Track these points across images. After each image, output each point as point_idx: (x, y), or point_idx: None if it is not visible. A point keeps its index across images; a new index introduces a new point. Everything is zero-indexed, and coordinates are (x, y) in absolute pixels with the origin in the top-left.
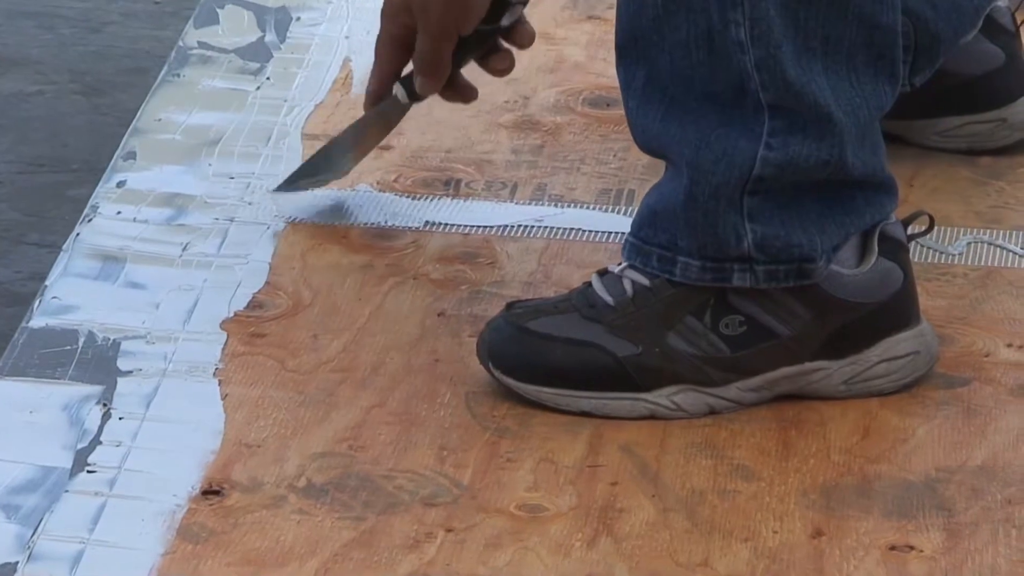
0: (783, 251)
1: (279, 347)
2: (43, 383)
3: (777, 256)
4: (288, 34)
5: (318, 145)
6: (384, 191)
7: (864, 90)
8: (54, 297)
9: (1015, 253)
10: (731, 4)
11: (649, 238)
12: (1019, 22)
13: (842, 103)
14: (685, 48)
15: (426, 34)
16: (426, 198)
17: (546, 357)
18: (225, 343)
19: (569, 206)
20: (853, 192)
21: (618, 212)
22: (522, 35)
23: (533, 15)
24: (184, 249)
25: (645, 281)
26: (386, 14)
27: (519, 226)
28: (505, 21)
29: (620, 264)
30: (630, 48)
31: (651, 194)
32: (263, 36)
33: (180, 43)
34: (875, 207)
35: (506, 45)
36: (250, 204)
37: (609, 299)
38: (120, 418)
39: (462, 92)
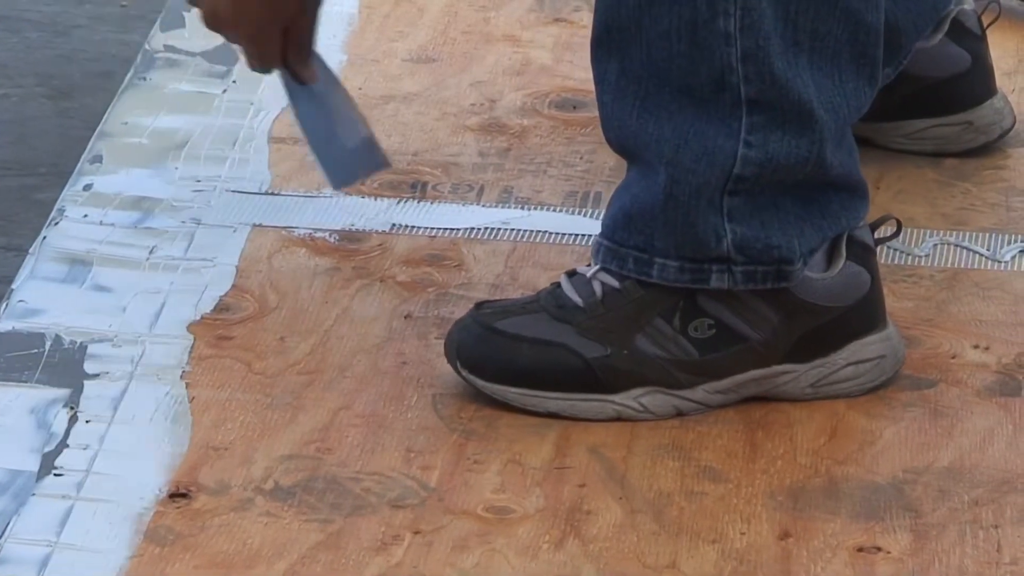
0: (763, 252)
1: (246, 350)
2: (10, 386)
3: (757, 257)
4: None
5: (284, 148)
6: (350, 193)
7: (846, 89)
8: (20, 300)
9: (981, 255)
10: None
11: (624, 240)
12: (985, 25)
13: (824, 100)
14: (665, 39)
15: None
16: (393, 200)
17: (514, 357)
18: (192, 346)
19: (536, 208)
20: (830, 195)
21: (585, 214)
22: None
23: (499, 18)
24: (151, 252)
25: (615, 283)
26: None
27: (486, 228)
28: None
29: (590, 266)
30: (604, 40)
31: (621, 196)
32: None
33: (146, 47)
34: (850, 211)
35: None
36: (216, 207)
37: (578, 300)
38: (87, 421)
39: None
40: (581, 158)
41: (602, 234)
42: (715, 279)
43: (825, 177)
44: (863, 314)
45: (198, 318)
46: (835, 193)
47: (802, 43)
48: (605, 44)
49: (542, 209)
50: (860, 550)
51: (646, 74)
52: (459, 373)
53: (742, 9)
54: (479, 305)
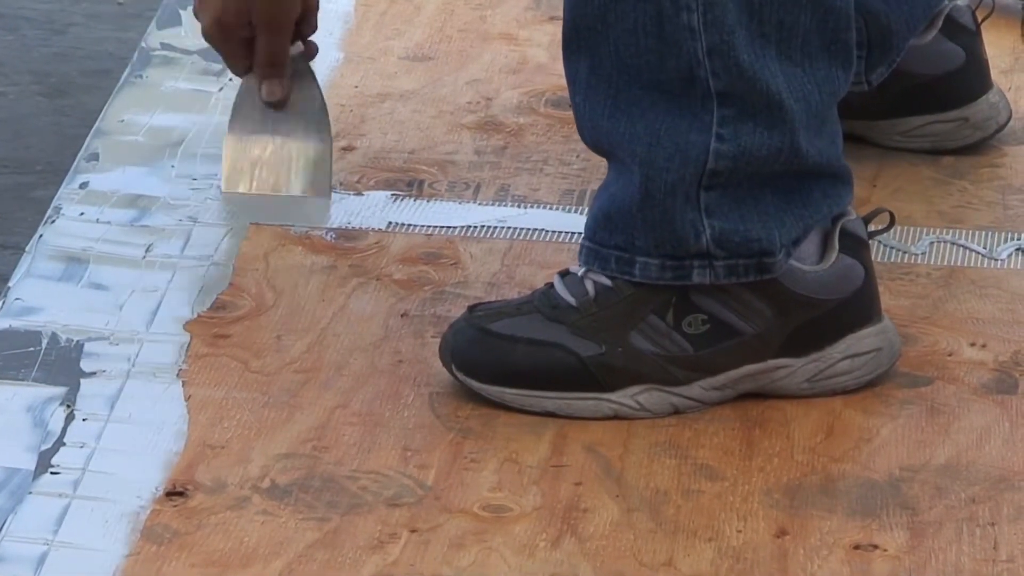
0: (742, 246)
1: (243, 348)
2: (6, 384)
3: (736, 251)
4: None
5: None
6: (347, 192)
7: (817, 76)
8: (17, 299)
9: (978, 253)
10: None
11: (605, 241)
12: (979, 21)
13: (794, 89)
14: (632, 35)
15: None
16: (389, 198)
17: (509, 358)
18: (188, 344)
19: (532, 207)
20: (810, 184)
21: (581, 213)
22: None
23: (496, 16)
24: (147, 250)
25: (607, 281)
26: None
27: (482, 227)
28: None
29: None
30: (572, 39)
31: (600, 196)
32: None
33: (143, 44)
34: (832, 198)
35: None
36: (213, 205)
37: (571, 300)
38: (84, 419)
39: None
40: (577, 156)
41: (584, 235)
42: (696, 275)
43: (802, 166)
44: (858, 307)
45: (195, 316)
46: (815, 181)
47: (769, 35)
48: (574, 43)
49: (538, 207)
50: (857, 548)
51: (615, 72)
52: (455, 376)
53: (704, 4)
54: (472, 308)
